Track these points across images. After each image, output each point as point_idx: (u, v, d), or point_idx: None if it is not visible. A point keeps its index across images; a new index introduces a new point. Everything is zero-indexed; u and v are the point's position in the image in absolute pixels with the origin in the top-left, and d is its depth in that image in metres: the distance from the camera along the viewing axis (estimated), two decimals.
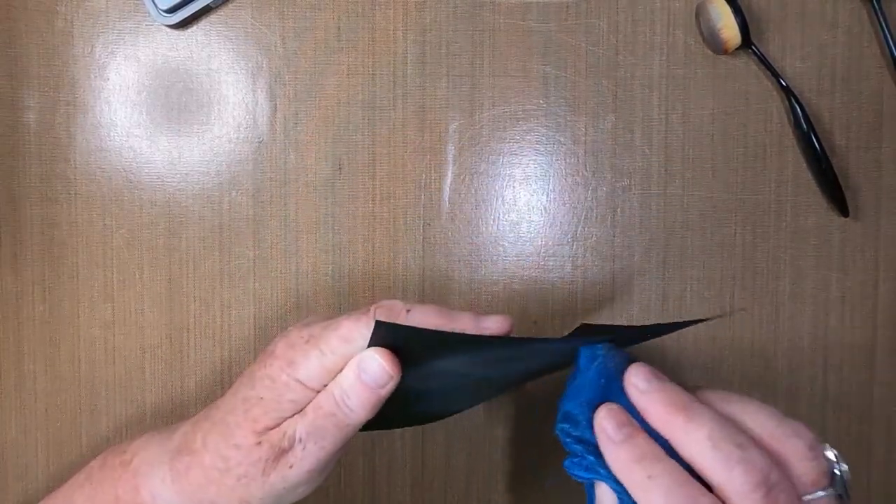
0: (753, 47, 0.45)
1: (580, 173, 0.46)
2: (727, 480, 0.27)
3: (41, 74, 0.45)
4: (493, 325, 0.35)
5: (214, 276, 0.46)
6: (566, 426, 0.32)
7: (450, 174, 0.46)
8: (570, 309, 0.47)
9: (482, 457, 0.47)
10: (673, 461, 0.29)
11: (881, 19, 0.45)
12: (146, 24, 0.45)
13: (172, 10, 0.44)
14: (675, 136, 0.46)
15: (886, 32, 0.45)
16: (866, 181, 0.47)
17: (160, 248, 0.46)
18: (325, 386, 0.34)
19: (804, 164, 0.46)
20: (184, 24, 0.45)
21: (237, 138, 0.45)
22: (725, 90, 0.46)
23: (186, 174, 0.45)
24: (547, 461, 0.47)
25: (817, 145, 0.45)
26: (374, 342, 0.33)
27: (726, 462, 0.27)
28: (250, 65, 0.45)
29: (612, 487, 0.30)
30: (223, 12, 0.45)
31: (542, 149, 0.46)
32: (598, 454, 0.31)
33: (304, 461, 0.33)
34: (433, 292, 0.46)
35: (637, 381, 0.31)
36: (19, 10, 0.45)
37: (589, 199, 0.46)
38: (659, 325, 0.35)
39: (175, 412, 0.46)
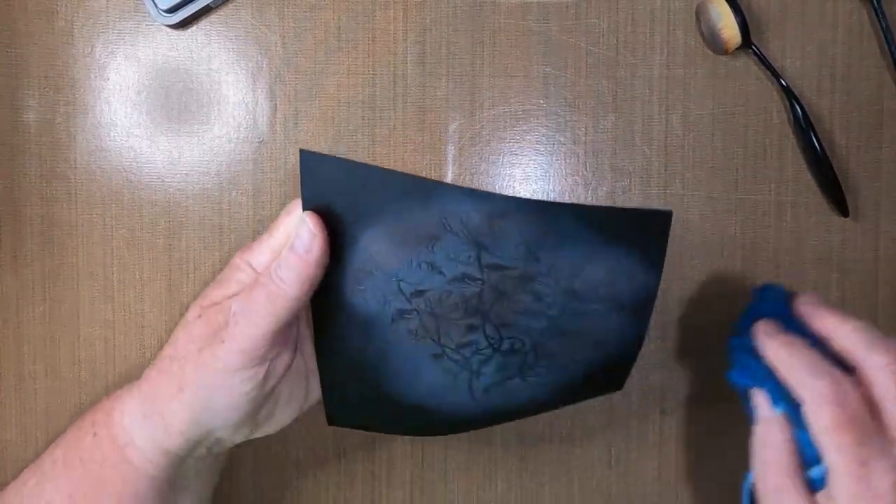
0: (753, 47, 0.45)
1: (580, 173, 0.46)
2: (867, 357, 0.33)
3: (41, 74, 0.45)
4: None
5: (214, 276, 0.46)
6: (735, 339, 0.38)
7: (450, 174, 0.46)
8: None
9: (482, 457, 0.47)
10: (817, 350, 0.34)
11: (881, 19, 0.45)
12: (146, 24, 0.45)
13: (172, 10, 0.44)
14: (675, 136, 0.46)
15: (886, 32, 0.45)
16: (866, 181, 0.47)
17: (160, 248, 0.46)
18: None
19: (804, 164, 0.46)
20: (184, 24, 0.45)
21: (237, 138, 0.45)
22: (725, 90, 0.46)
23: (186, 174, 0.45)
24: (547, 461, 0.47)
25: (817, 145, 0.45)
26: (305, 181, 0.33)
27: (869, 343, 0.33)
28: (250, 65, 0.45)
29: (767, 389, 0.35)
30: (223, 12, 0.45)
31: (542, 149, 0.46)
32: (759, 361, 0.35)
33: (237, 337, 0.33)
34: None
35: (809, 297, 0.37)
36: (19, 11, 0.45)
37: (589, 199, 0.46)
38: (612, 208, 0.36)
39: None
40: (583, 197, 0.46)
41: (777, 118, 0.46)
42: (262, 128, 0.45)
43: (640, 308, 0.35)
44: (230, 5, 0.45)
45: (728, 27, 0.44)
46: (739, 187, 0.46)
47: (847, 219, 0.46)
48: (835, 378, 0.32)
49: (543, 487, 0.47)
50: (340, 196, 0.33)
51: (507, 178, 0.46)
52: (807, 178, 0.47)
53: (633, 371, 0.47)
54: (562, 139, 0.46)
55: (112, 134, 0.45)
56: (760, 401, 0.35)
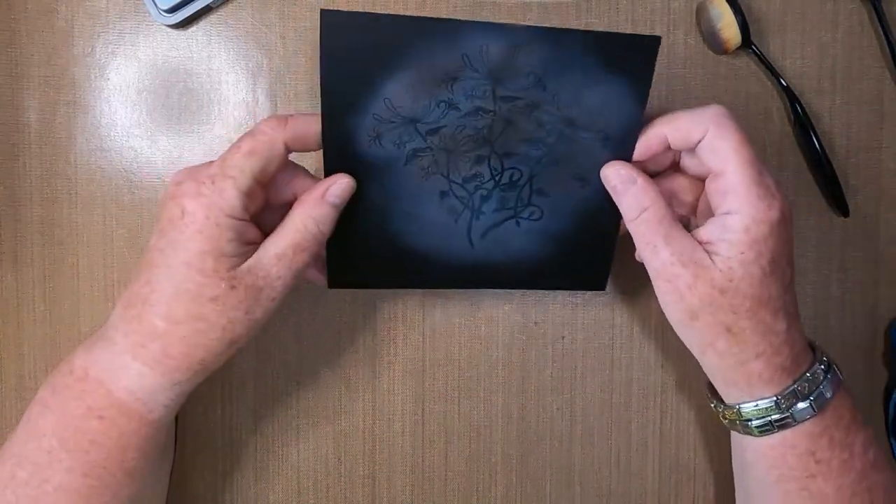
0: (753, 47, 0.45)
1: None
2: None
3: (41, 74, 0.45)
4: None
5: None
6: None
7: None
8: (570, 310, 0.47)
9: (482, 457, 0.47)
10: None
11: (881, 19, 0.45)
12: (146, 24, 0.45)
13: (173, 10, 0.44)
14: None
15: (886, 32, 0.45)
16: (866, 181, 0.47)
17: None
18: (254, 201, 0.36)
19: (804, 164, 0.46)
20: (184, 24, 0.45)
21: (238, 138, 0.45)
22: (725, 90, 0.46)
23: None
24: (548, 461, 0.47)
25: (817, 145, 0.45)
26: (323, 38, 0.34)
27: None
28: (250, 65, 0.45)
29: None
30: (223, 12, 0.45)
31: None
32: None
33: (281, 292, 0.36)
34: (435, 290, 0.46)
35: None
36: (19, 10, 0.45)
37: None
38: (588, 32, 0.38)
39: None
40: None
41: (777, 118, 0.46)
42: None
43: (623, 141, 0.39)
44: (230, 5, 0.45)
45: (728, 27, 0.44)
46: None
47: (847, 219, 0.46)
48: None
49: (544, 488, 0.47)
50: (361, 50, 0.36)
51: None
52: (807, 178, 0.47)
53: (634, 371, 0.47)
54: None
55: (112, 134, 0.45)
56: (622, 174, 0.38)
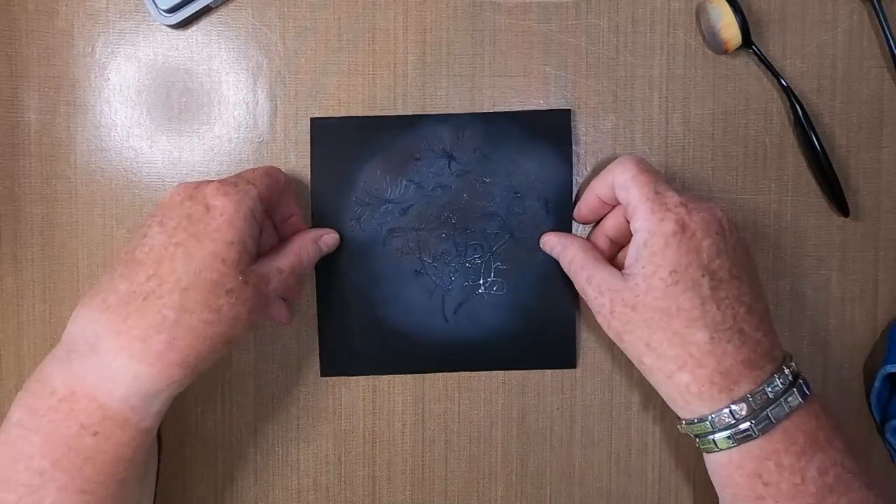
0: (753, 47, 0.45)
1: (580, 173, 0.46)
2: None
3: (41, 74, 0.45)
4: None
5: None
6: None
7: None
8: (569, 310, 0.47)
9: (482, 457, 0.47)
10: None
11: (881, 19, 0.45)
12: (146, 24, 0.45)
13: (173, 10, 0.44)
14: (675, 136, 0.46)
15: (886, 32, 0.45)
16: (866, 181, 0.47)
17: None
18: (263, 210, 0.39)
19: (804, 164, 0.46)
20: (184, 24, 0.45)
21: (237, 138, 0.45)
22: (725, 90, 0.46)
23: (187, 174, 0.45)
24: (548, 462, 0.47)
25: (817, 145, 0.45)
26: (314, 142, 0.45)
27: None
28: (250, 65, 0.45)
29: None
30: (223, 12, 0.45)
31: None
32: None
33: (272, 302, 0.39)
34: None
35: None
36: (19, 10, 0.45)
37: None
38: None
39: (173, 410, 0.46)
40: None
41: (777, 118, 0.46)
42: (262, 128, 0.45)
43: (560, 205, 0.45)
44: (230, 5, 0.45)
45: (728, 27, 0.44)
46: (739, 187, 0.46)
47: (847, 219, 0.46)
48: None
49: (544, 488, 0.47)
50: (342, 146, 0.45)
51: None
52: (807, 178, 0.47)
53: (634, 371, 0.47)
54: None
55: (112, 134, 0.45)
56: (552, 241, 0.44)
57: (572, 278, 0.42)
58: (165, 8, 0.44)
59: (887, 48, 0.45)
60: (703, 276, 0.36)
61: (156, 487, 0.44)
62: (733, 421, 0.36)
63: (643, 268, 0.37)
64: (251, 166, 0.45)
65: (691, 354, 0.36)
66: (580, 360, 0.47)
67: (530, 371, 0.46)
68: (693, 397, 0.36)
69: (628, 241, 0.41)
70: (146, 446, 0.37)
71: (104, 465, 0.35)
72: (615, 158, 0.40)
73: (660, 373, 0.37)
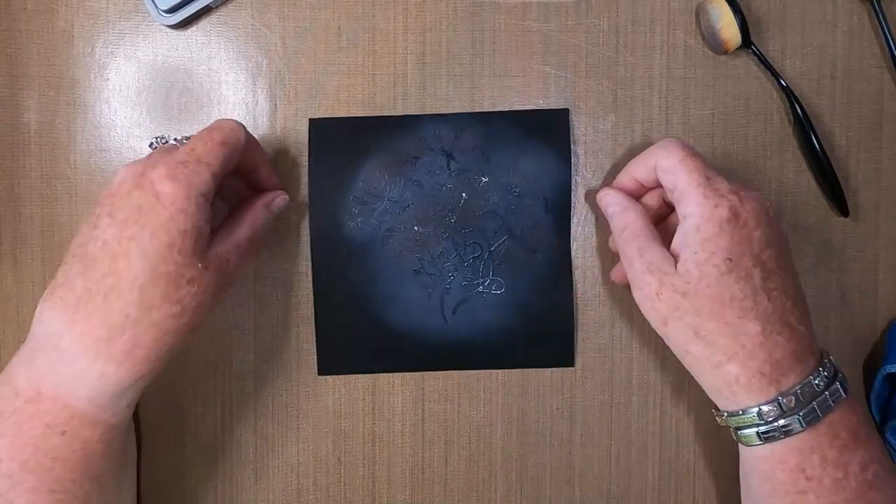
0: (753, 47, 0.45)
1: (580, 173, 0.46)
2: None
3: (41, 74, 0.45)
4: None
5: None
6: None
7: None
8: (568, 309, 0.47)
9: (482, 457, 0.47)
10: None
11: (881, 19, 0.45)
12: (146, 24, 0.45)
13: (172, 10, 0.44)
14: (675, 136, 0.46)
15: (886, 32, 0.45)
16: (866, 181, 0.47)
17: None
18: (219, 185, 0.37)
19: (804, 164, 0.46)
20: (184, 25, 0.45)
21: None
22: (725, 90, 0.46)
23: None
24: (548, 462, 0.47)
25: (817, 145, 0.45)
26: (312, 143, 0.45)
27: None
28: (250, 65, 0.45)
29: None
30: (223, 12, 0.45)
31: None
32: None
33: (234, 278, 0.38)
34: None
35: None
36: (19, 10, 0.45)
37: (590, 199, 0.46)
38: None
39: (173, 409, 0.46)
40: (582, 196, 0.46)
41: (777, 118, 0.46)
42: (261, 128, 0.45)
43: (560, 204, 0.45)
44: (230, 5, 0.45)
45: (728, 27, 0.44)
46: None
47: (847, 219, 0.46)
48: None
49: (544, 488, 0.47)
50: (341, 147, 0.45)
51: None
52: (807, 178, 0.47)
53: (634, 371, 0.47)
54: None
55: (112, 134, 0.45)
56: (612, 199, 0.41)
57: (619, 243, 0.40)
58: (165, 8, 0.44)
59: (887, 48, 0.45)
60: (755, 266, 0.36)
61: (138, 476, 0.44)
62: (780, 412, 0.35)
63: (695, 254, 0.36)
64: None
65: (743, 345, 0.36)
66: (580, 360, 0.47)
67: (530, 371, 0.46)
68: (741, 388, 0.36)
69: (659, 225, 0.41)
70: (119, 440, 0.37)
71: (75, 463, 0.35)
72: (617, 156, 0.40)
73: (707, 362, 0.37)
